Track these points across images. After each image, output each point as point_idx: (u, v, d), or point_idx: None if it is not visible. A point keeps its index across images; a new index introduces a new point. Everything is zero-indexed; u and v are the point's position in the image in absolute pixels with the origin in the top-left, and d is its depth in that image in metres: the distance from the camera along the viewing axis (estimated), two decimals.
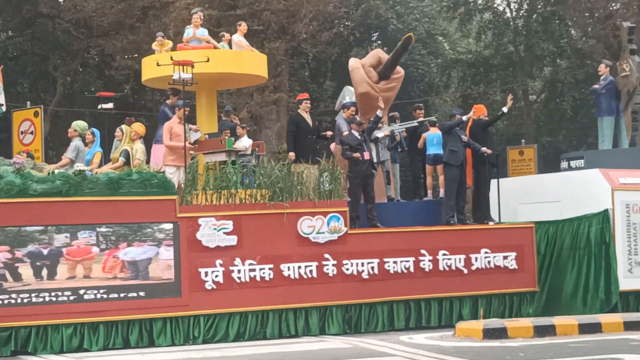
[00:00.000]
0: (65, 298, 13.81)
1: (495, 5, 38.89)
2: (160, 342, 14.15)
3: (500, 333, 14.06)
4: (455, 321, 15.69)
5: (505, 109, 17.80)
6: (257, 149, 17.59)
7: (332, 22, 32.22)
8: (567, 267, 17.36)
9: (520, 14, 39.07)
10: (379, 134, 16.87)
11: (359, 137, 16.05)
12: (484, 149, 16.90)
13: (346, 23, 35.64)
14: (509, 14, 39.29)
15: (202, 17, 17.75)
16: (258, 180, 15.05)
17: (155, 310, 14.22)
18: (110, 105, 17.68)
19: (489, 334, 14.00)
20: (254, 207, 14.94)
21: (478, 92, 38.92)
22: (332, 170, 15.47)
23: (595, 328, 14.61)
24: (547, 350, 12.71)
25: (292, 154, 16.31)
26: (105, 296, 13.99)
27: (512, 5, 38.93)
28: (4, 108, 16.00)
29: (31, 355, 13.41)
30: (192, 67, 15.13)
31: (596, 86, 20.07)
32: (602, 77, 20.06)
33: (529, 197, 18.25)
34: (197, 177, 14.78)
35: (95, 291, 13.96)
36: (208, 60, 15.59)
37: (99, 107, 18.36)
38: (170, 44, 17.86)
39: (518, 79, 38.29)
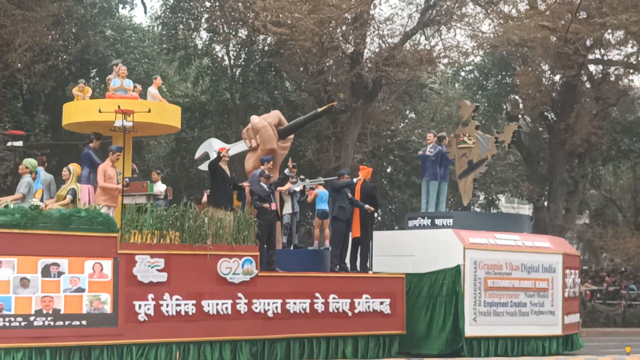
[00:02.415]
0: (17, 324, 14.78)
1: (214, 52, 38.51)
2: None
3: None
4: (339, 359, 17.85)
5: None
6: (168, 193, 19.06)
7: (48, 54, 32.19)
8: (422, 312, 19.93)
9: (238, 63, 38.88)
10: (296, 187, 18.82)
11: (267, 189, 17.94)
12: (367, 206, 19.21)
13: (63, 56, 34.84)
14: (227, 62, 39.02)
15: (126, 69, 19.06)
16: (187, 223, 16.58)
17: (94, 338, 15.43)
18: (20, 143, 18.52)
19: None
20: (182, 248, 16.48)
21: (192, 136, 38.76)
22: (247, 218, 17.25)
23: None
24: None
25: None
26: (52, 323, 15.06)
27: (231, 53, 38.74)
28: None
29: None
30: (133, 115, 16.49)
31: (428, 153, 22.31)
32: (430, 145, 22.33)
33: (386, 250, 20.57)
34: (135, 217, 16.13)
35: (44, 318, 15.02)
36: (149, 110, 17.02)
37: (9, 144, 19.12)
38: (90, 90, 19.00)
39: (232, 126, 37.87)
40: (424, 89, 41.13)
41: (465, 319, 19.80)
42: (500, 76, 43.30)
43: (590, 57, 38.10)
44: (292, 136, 20.44)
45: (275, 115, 19.94)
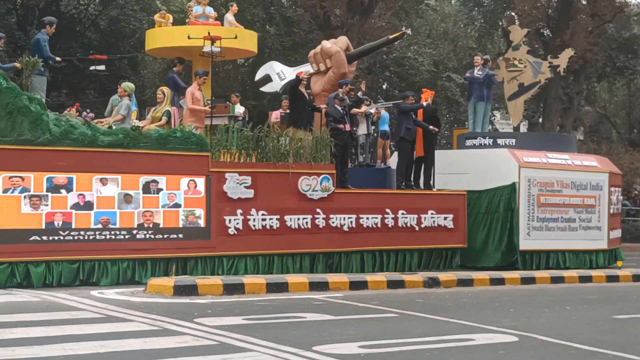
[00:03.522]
0: (122, 237, 15.87)
1: None
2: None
3: (190, 290, 14.33)
4: (407, 270, 18.99)
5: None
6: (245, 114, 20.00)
7: None
8: (480, 227, 21.03)
9: None
10: (371, 110, 19.74)
11: (342, 110, 18.88)
12: (431, 127, 20.17)
13: None
14: None
15: None
16: (272, 143, 17.55)
17: (189, 250, 16.54)
18: (102, 67, 19.38)
19: (180, 290, 14.23)
20: (267, 166, 17.49)
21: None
22: (324, 137, 18.23)
23: (282, 287, 15.25)
24: (235, 307, 13.02)
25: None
26: (152, 236, 16.15)
27: None
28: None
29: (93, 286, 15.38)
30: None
31: (477, 75, 23.18)
32: (478, 68, 23.17)
33: (443, 168, 21.55)
34: (224, 137, 17.10)
35: (145, 232, 16.10)
36: (236, 37, 17.87)
37: (92, 68, 19.96)
38: (171, 17, 19.81)
39: None
40: (420, 5, 41.10)
41: (520, 234, 20.91)
42: None
43: None
44: (356, 61, 21.24)
45: (344, 40, 20.72)
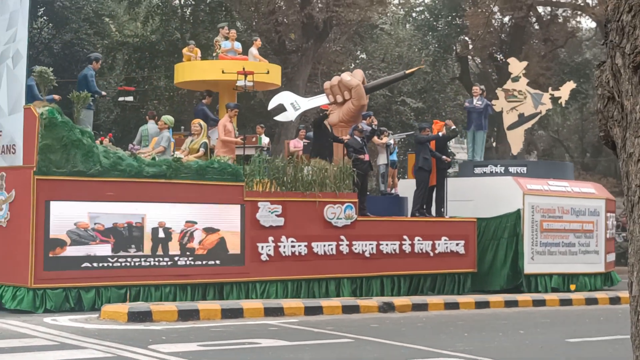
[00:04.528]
0: (165, 263, 16.67)
1: None
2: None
3: (144, 316, 14.21)
4: (420, 293, 19.94)
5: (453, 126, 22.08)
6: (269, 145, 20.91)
7: None
8: (487, 252, 22.04)
9: (189, 2, 38.56)
10: (390, 140, 20.71)
11: (360, 141, 19.83)
12: (444, 157, 21.19)
13: None
14: (177, 1, 38.64)
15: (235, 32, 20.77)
16: (300, 173, 18.45)
17: (225, 276, 17.37)
18: (130, 98, 20.18)
19: (134, 317, 14.10)
20: (295, 195, 18.38)
21: (142, 76, 38.31)
22: (347, 168, 19.16)
23: (237, 313, 15.19)
24: (189, 334, 12.92)
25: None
26: (192, 263, 16.97)
27: None
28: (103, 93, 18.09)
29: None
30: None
31: (476, 105, 24.20)
32: (477, 98, 24.17)
33: (450, 196, 22.56)
34: (257, 168, 17.98)
35: (185, 258, 16.92)
36: (268, 72, 18.79)
37: (120, 99, 20.77)
38: (199, 51, 20.70)
39: None
40: (374, 29, 41.49)
41: (524, 258, 21.95)
42: (450, 17, 43.90)
43: None
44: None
45: (360, 73, 21.68)
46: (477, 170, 23.53)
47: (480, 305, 18.53)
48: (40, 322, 13.75)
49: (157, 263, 16.60)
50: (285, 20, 34.48)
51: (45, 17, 35.34)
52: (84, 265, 15.80)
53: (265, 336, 12.86)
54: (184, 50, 20.65)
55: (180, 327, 13.65)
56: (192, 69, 20.08)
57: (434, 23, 45.48)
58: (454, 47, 44.31)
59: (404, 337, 13.15)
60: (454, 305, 18.10)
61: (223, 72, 19.00)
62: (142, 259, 16.42)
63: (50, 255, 15.50)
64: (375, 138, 21.11)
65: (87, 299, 15.73)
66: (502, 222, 21.99)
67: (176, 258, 16.81)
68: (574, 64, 44.36)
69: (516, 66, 25.50)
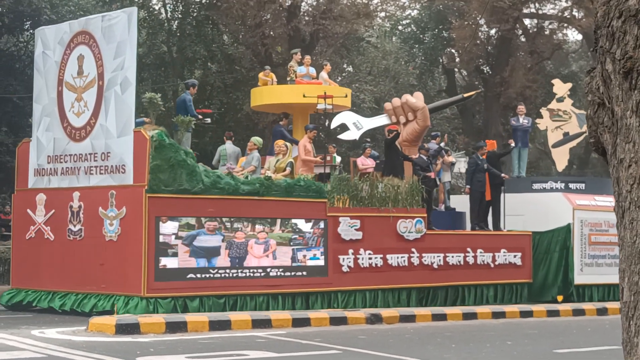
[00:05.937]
0: (258, 274, 17.96)
1: (151, 4, 37.76)
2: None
3: (132, 328, 14.22)
4: (484, 303, 21.23)
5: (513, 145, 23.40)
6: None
7: None
8: (540, 264, 23.33)
9: (175, 15, 38.43)
10: (453, 159, 22.05)
11: (426, 159, 21.17)
12: (503, 174, 22.55)
13: None
14: (164, 14, 38.38)
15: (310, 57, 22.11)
16: (375, 190, 19.76)
17: (311, 286, 18.66)
18: (208, 120, 21.43)
19: (121, 329, 14.10)
20: (372, 211, 19.68)
21: None
22: (417, 185, 20.48)
23: (225, 325, 15.23)
24: (177, 346, 12.82)
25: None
26: (282, 274, 18.25)
27: (168, 5, 38.11)
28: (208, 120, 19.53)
29: None
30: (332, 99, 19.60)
31: (524, 122, 25.45)
32: (522, 117, 25.49)
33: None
34: (337, 186, 19.29)
35: (277, 270, 18.20)
36: (346, 96, 20.12)
37: (199, 118, 21.99)
38: (274, 75, 22.05)
39: (169, 80, 37.28)
40: (361, 42, 42.03)
41: (574, 270, 23.25)
42: (436, 30, 44.61)
43: (525, 11, 39.41)
44: None
45: (421, 96, 22.98)
46: (537, 186, 24.85)
47: (467, 316, 18.80)
48: (28, 335, 13.76)
49: (251, 274, 17.87)
50: (272, 33, 34.60)
51: (31, 31, 33.74)
52: (189, 276, 17.07)
53: (253, 348, 12.84)
54: (260, 75, 22.01)
55: (168, 339, 13.64)
56: (270, 93, 21.43)
57: (421, 36, 45.98)
58: (441, 60, 44.79)
59: (391, 349, 13.23)
60: (442, 317, 18.41)
61: (304, 95, 20.36)
62: (239, 271, 17.70)
63: (160, 267, 16.79)
64: (446, 157, 22.45)
65: (191, 307, 16.99)
66: (555, 236, 23.28)
67: (268, 269, 18.09)
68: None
69: (560, 87, 26.79)
